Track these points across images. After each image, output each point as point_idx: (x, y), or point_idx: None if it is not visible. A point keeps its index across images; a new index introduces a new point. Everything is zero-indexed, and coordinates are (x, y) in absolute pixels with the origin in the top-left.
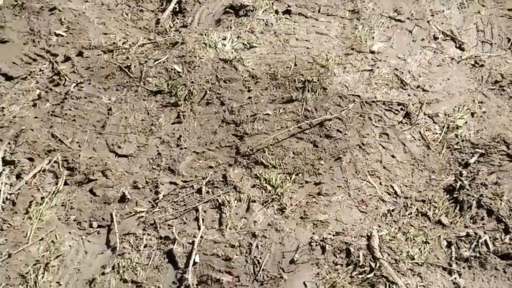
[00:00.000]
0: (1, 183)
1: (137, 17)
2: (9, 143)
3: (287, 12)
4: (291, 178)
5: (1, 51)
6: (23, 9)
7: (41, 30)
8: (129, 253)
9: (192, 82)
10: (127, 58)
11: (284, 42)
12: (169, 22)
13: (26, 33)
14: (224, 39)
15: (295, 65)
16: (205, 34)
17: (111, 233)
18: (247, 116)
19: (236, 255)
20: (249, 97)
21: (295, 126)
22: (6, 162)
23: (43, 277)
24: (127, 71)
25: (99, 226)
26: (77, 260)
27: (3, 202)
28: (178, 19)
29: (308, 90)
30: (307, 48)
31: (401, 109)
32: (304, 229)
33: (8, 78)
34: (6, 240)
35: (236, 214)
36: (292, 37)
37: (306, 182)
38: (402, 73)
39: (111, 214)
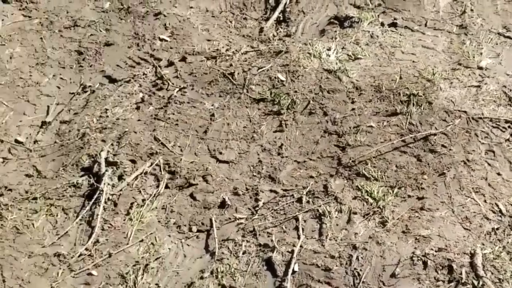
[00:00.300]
0: (104, 184)
1: (240, 24)
2: (112, 145)
3: (393, 25)
4: (393, 191)
5: (105, 54)
6: (128, 13)
7: (145, 34)
8: (227, 259)
9: (296, 91)
10: (231, 65)
11: (389, 54)
12: (272, 31)
13: (130, 36)
14: (329, 49)
15: (400, 78)
16: (310, 44)
17: (210, 238)
18: (350, 127)
19: (336, 266)
20: (353, 109)
21: (398, 140)
22: (109, 163)
23: (142, 278)
24: (230, 78)
25: (198, 231)
26: (176, 263)
27: (105, 202)
28: (281, 28)
29: (413, 104)
30: (413, 61)
31: (509, 126)
32: (406, 243)
33: (112, 80)
34: (107, 240)
35: (337, 225)
36: (398, 50)
37: (409, 196)
38: (511, 90)
39: (211, 219)
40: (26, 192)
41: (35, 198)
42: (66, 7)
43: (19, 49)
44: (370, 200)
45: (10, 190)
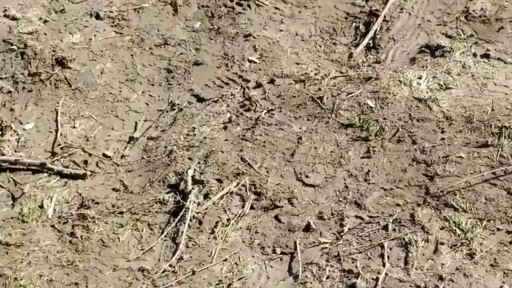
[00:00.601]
0: (190, 202)
1: (329, 49)
2: (199, 163)
3: (486, 56)
4: (482, 224)
5: (194, 73)
6: (218, 34)
7: (234, 55)
8: (311, 283)
9: (384, 118)
10: (319, 89)
11: (481, 86)
12: (362, 57)
13: (220, 57)
14: (420, 78)
15: (492, 110)
16: (400, 72)
17: (294, 261)
18: (439, 157)
19: None
20: (442, 138)
21: (489, 172)
22: (195, 181)
23: None
24: (319, 102)
25: (282, 253)
26: (259, 284)
27: (190, 220)
28: (371, 54)
29: (505, 137)
30: (506, 94)
31: None
32: (494, 277)
33: (200, 99)
34: (191, 257)
35: (423, 254)
36: (490, 82)
37: (498, 229)
38: None
39: (295, 242)
40: (113, 206)
41: (121, 213)
42: (157, 25)
43: (110, 64)
44: (458, 232)
45: (97, 203)
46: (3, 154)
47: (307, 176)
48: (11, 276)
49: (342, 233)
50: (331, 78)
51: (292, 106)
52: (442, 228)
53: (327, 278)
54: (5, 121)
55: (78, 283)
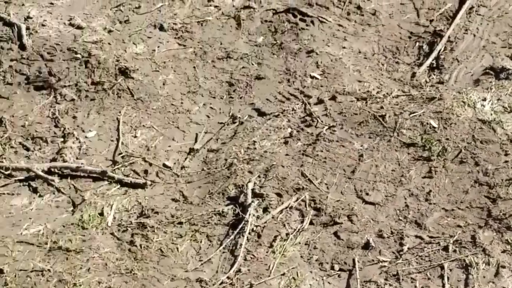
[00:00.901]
0: (249, 215)
1: (392, 68)
2: (259, 177)
3: None
4: None
5: (256, 87)
6: (281, 49)
7: (297, 71)
8: None
9: (447, 139)
10: (381, 107)
11: None
12: (425, 77)
13: (282, 72)
14: (484, 100)
15: None
16: (464, 93)
17: (352, 278)
18: (502, 179)
19: None
20: (506, 161)
21: None
22: (255, 195)
23: None
24: (381, 120)
25: (340, 270)
26: None
27: (249, 233)
28: (434, 74)
29: None
30: None
31: None
32: None
33: (261, 113)
34: (248, 270)
35: (484, 277)
36: None
37: None
38: None
39: (354, 259)
40: (172, 216)
41: (180, 223)
42: (220, 38)
43: (172, 76)
44: None
45: (157, 213)
46: (65, 161)
47: (367, 194)
48: (71, 281)
49: (401, 252)
50: (393, 97)
51: (354, 123)
52: (503, 251)
53: None
54: (68, 128)
55: None
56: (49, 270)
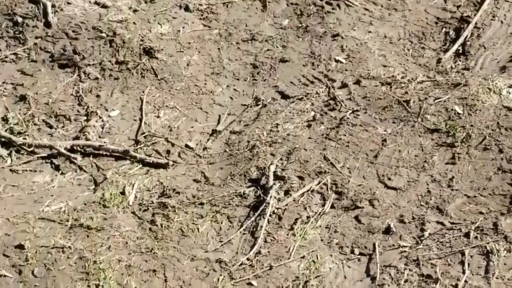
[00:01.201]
0: (270, 197)
1: (418, 53)
2: (281, 159)
3: None
4: None
5: (280, 70)
6: (306, 32)
7: (321, 54)
8: (388, 285)
9: (472, 126)
10: (406, 92)
11: None
12: (450, 63)
13: (306, 55)
14: (510, 87)
15: None
16: (490, 80)
17: (372, 262)
18: None
19: None
20: None
21: None
22: (277, 177)
23: None
24: (405, 105)
25: (360, 254)
26: (335, 284)
27: (270, 215)
28: (460, 61)
29: None
30: None
31: None
32: None
33: (285, 96)
34: (268, 252)
35: (505, 264)
36: None
37: None
38: None
39: (374, 244)
40: (193, 196)
41: (201, 204)
42: (245, 20)
43: (197, 57)
44: None
45: (178, 193)
46: (87, 139)
47: (389, 179)
48: (91, 259)
49: (422, 238)
50: (418, 82)
51: (378, 108)
52: None
53: (405, 281)
54: (91, 107)
55: (156, 271)
56: (69, 247)
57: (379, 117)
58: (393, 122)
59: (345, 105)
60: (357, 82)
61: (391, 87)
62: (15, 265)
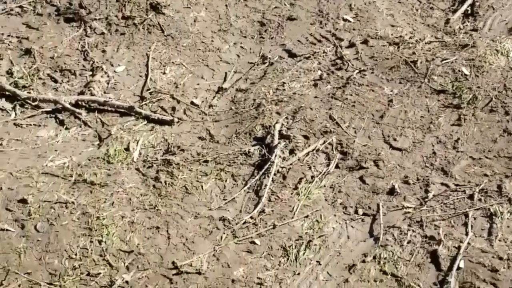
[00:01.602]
0: (275, 156)
1: (426, 14)
2: (286, 118)
3: None
4: None
5: (288, 28)
6: None
7: (329, 13)
8: (391, 246)
9: (478, 87)
10: (413, 53)
11: None
12: (458, 24)
13: (314, 13)
14: None
15: None
16: (498, 41)
17: (375, 223)
18: None
19: (503, 268)
20: None
21: None
22: (282, 136)
23: (304, 253)
24: (412, 65)
25: (364, 214)
26: (339, 243)
27: (275, 174)
28: (468, 21)
29: None
30: None
31: None
32: None
33: (292, 55)
34: (272, 211)
35: (508, 227)
36: None
37: None
38: None
39: (378, 205)
40: (198, 154)
41: (206, 161)
42: None
43: (204, 13)
44: None
45: (183, 150)
46: (92, 95)
47: (395, 139)
48: (94, 214)
49: (426, 199)
50: (426, 43)
51: (385, 68)
52: None
53: (408, 242)
54: (97, 62)
55: (159, 227)
56: (73, 202)
57: (386, 77)
58: (400, 83)
59: (352, 65)
60: (365, 42)
61: (398, 47)
62: (17, 220)
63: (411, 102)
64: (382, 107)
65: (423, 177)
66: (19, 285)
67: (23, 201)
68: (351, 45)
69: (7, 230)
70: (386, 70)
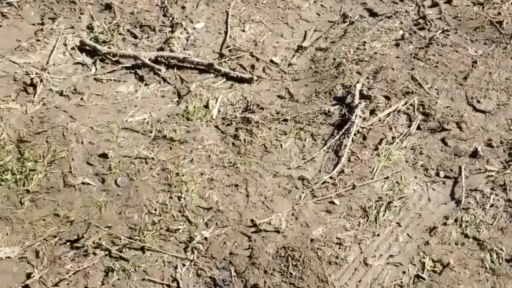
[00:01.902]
0: (356, 116)
1: None
2: (367, 78)
3: None
4: None
5: None
6: None
7: None
8: (473, 209)
9: None
10: (499, 13)
11: None
12: None
13: None
14: None
15: None
16: None
17: (457, 186)
18: None
19: None
20: None
21: None
22: (362, 96)
23: (384, 215)
24: (497, 26)
25: (445, 177)
26: (419, 206)
27: (355, 134)
28: None
29: None
30: None
31: None
32: None
33: (373, 14)
34: (352, 171)
35: None
36: None
37: None
38: None
39: (460, 167)
40: (277, 113)
41: (285, 120)
42: None
43: None
44: None
45: (262, 108)
46: (172, 51)
47: (478, 101)
48: (173, 171)
49: (510, 163)
50: (511, 3)
51: (469, 28)
52: None
53: (490, 206)
54: (176, 18)
55: (238, 185)
56: (152, 158)
57: (470, 38)
58: (485, 43)
59: (435, 25)
60: (448, 1)
61: (483, 7)
62: (98, 174)
63: (496, 63)
64: (465, 68)
65: (507, 140)
66: (99, 238)
67: (104, 155)
68: (434, 4)
69: (88, 184)
70: (470, 31)
